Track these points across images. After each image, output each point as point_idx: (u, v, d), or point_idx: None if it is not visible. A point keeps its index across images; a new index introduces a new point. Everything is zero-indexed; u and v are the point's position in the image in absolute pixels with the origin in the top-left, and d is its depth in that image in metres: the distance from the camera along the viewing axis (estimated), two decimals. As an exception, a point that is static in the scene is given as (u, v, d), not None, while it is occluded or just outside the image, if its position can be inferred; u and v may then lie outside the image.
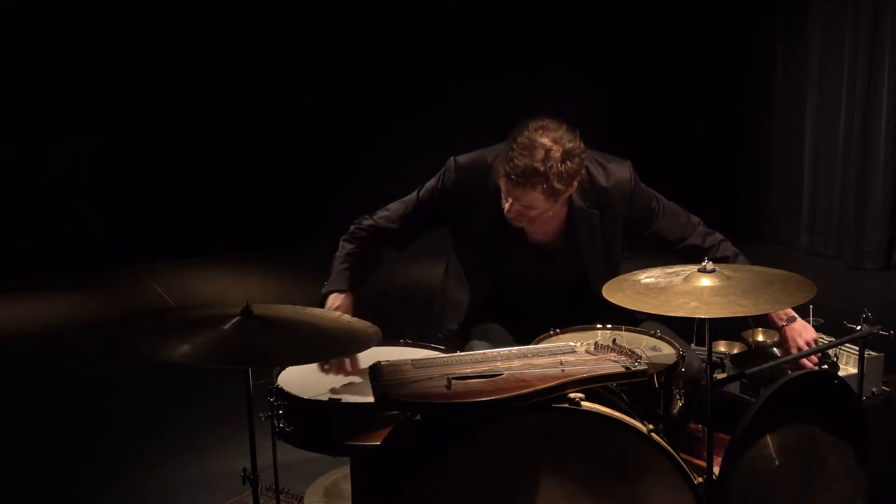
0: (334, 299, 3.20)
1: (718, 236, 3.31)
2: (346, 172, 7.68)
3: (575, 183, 3.06)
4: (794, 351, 3.23)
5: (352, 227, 3.34)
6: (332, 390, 2.91)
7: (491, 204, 3.12)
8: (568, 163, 2.97)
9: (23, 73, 6.89)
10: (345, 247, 3.30)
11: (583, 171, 3.13)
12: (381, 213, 3.34)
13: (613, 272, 3.24)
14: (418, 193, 3.31)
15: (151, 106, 7.18)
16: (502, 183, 3.02)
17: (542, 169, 2.94)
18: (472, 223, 3.22)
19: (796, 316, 3.26)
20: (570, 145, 2.99)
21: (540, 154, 2.95)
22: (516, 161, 2.95)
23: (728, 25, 7.82)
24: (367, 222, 3.32)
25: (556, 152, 2.96)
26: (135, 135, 7.21)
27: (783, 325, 3.26)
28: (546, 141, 2.97)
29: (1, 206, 6.98)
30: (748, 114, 7.75)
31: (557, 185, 2.98)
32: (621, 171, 3.23)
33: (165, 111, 7.21)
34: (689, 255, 3.20)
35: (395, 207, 3.33)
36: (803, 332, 3.24)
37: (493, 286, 3.30)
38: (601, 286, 3.02)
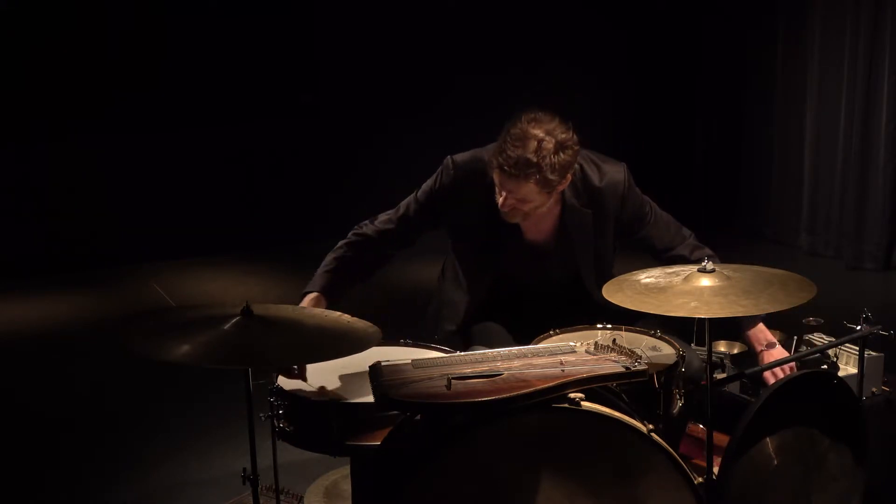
0: (307, 300, 3.20)
1: (707, 250, 3.26)
2: (345, 172, 7.67)
3: (569, 176, 3.07)
4: (770, 377, 3.19)
5: (350, 233, 3.34)
6: (332, 390, 2.91)
7: (487, 202, 3.13)
8: (561, 154, 2.99)
9: (23, 73, 6.89)
10: (335, 251, 3.31)
11: (577, 170, 3.14)
12: (380, 217, 3.34)
13: (605, 272, 3.25)
14: (416, 195, 3.32)
15: (151, 106, 7.17)
16: (496, 175, 3.04)
17: (535, 160, 2.96)
18: (469, 221, 3.23)
19: (776, 342, 3.26)
20: (563, 136, 3.01)
21: (533, 145, 2.96)
22: (509, 152, 2.97)
23: (728, 25, 7.82)
24: (364, 227, 3.33)
25: (549, 143, 2.97)
26: (134, 135, 7.20)
27: (761, 350, 3.25)
28: (539, 132, 2.98)
29: (1, 205, 6.98)
30: (748, 114, 7.75)
31: (551, 177, 2.99)
32: (616, 172, 3.24)
33: (165, 111, 7.20)
34: (675, 265, 3.18)
35: (394, 210, 3.34)
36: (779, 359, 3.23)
37: (492, 286, 3.30)
38: (593, 286, 3.03)
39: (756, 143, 7.68)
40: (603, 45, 8.10)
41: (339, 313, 2.87)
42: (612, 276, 3.04)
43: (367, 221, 3.35)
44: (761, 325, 3.26)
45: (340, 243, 3.32)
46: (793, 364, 3.22)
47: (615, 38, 8.16)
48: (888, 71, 6.55)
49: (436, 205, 3.26)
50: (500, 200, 3.05)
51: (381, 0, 7.60)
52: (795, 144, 7.28)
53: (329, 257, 3.30)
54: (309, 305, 3.16)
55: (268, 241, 7.50)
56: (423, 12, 7.62)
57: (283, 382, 2.96)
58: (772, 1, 7.41)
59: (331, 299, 3.21)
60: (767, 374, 3.18)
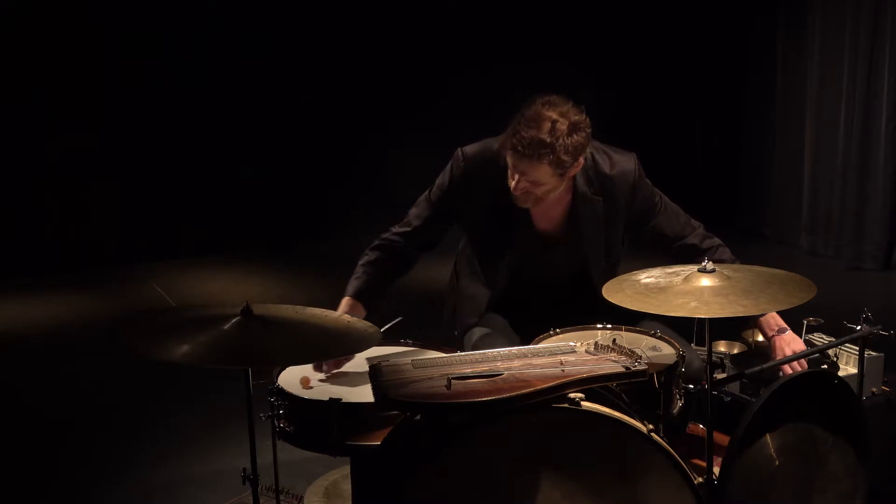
0: (342, 305, 3.24)
1: (717, 240, 3.32)
2: (345, 172, 7.68)
3: (581, 159, 3.09)
4: (787, 368, 3.19)
5: (375, 240, 3.36)
6: (332, 390, 2.91)
7: (498, 189, 3.14)
8: (574, 136, 3.01)
9: (23, 72, 6.89)
10: (363, 257, 3.34)
11: (588, 158, 3.16)
12: (400, 221, 3.36)
13: (614, 264, 3.27)
14: (429, 192, 3.33)
15: (151, 106, 7.18)
16: (509, 157, 3.05)
17: (548, 140, 2.97)
18: (481, 212, 3.23)
19: (787, 327, 3.26)
20: (577, 118, 3.04)
21: (547, 126, 2.98)
22: (523, 133, 2.99)
23: (728, 25, 7.82)
24: (387, 232, 3.35)
25: (563, 125, 3.00)
26: (134, 135, 7.21)
27: (773, 335, 3.26)
28: (553, 114, 3.01)
29: (1, 205, 6.98)
30: (748, 114, 7.75)
31: (564, 157, 3.00)
32: (626, 161, 3.26)
33: (165, 111, 7.21)
34: (685, 254, 3.22)
35: (411, 212, 3.36)
36: (791, 343, 3.23)
37: (508, 276, 3.31)
38: (601, 277, 3.03)
39: (756, 143, 7.68)
40: (603, 45, 8.10)
41: (338, 313, 2.87)
42: (618, 273, 3.05)
43: (391, 227, 3.36)
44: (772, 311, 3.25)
45: (367, 250, 3.35)
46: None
47: (615, 37, 8.16)
48: (888, 71, 6.55)
49: (449, 197, 3.27)
50: (513, 184, 3.07)
51: (381, 0, 7.60)
52: (795, 144, 7.28)
53: (358, 265, 3.32)
54: (343, 309, 3.18)
55: (268, 241, 7.51)
56: (422, 12, 7.62)
57: (284, 383, 2.96)
58: (772, 1, 7.41)
59: (367, 305, 3.25)
60: (785, 366, 3.19)
